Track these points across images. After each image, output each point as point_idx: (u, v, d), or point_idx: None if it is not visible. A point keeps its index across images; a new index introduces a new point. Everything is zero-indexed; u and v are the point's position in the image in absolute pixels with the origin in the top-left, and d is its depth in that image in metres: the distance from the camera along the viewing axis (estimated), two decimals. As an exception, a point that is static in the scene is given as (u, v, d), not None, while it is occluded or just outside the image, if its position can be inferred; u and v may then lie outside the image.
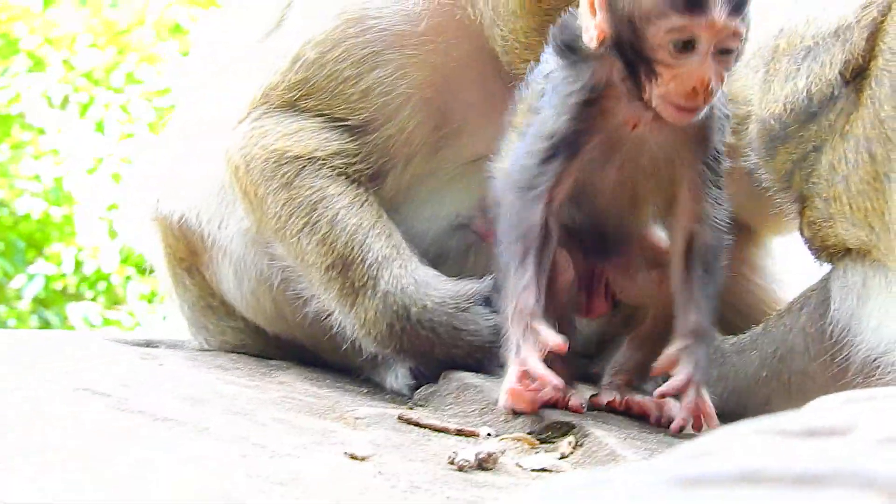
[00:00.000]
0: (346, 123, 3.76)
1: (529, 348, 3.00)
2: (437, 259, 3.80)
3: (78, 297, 13.22)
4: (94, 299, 13.27)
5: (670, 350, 3.10)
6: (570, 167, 3.07)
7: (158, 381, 3.44)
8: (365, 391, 3.75)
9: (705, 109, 2.98)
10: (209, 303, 4.12)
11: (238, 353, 4.09)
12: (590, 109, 3.08)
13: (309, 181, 3.72)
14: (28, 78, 13.01)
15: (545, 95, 3.15)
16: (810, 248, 3.34)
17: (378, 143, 3.76)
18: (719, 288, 3.12)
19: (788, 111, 3.18)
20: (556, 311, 3.17)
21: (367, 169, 3.76)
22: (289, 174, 3.73)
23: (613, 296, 3.33)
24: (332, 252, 3.69)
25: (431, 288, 3.66)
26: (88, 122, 13.01)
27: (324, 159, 3.74)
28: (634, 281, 3.28)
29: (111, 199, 12.73)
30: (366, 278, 3.66)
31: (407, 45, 3.75)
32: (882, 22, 3.05)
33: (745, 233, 4.09)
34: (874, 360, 3.09)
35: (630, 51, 3.00)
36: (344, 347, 3.77)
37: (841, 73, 3.08)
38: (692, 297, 3.11)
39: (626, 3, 3.00)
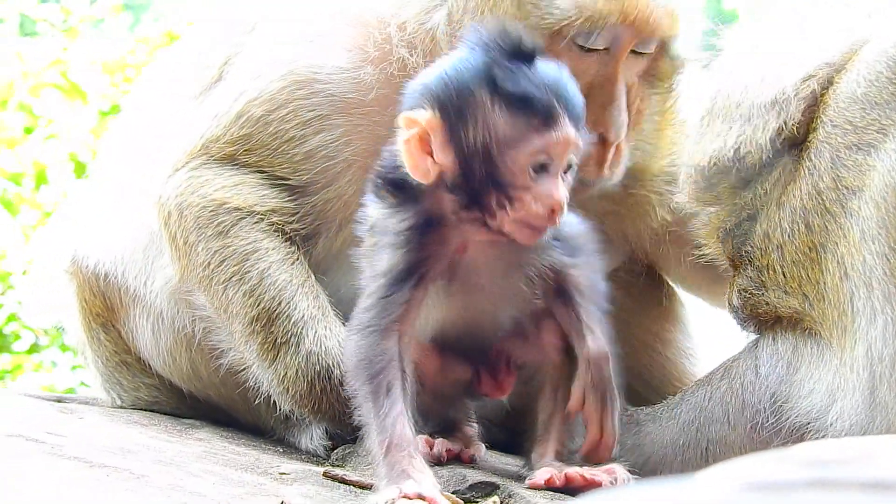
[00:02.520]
0: (287, 182, 3.77)
1: (420, 477, 2.90)
2: None
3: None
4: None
5: (575, 385, 3.13)
6: (413, 299, 3.06)
7: (84, 432, 3.44)
8: (281, 450, 3.75)
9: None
10: (124, 359, 4.09)
11: (152, 410, 4.06)
12: (420, 242, 3.09)
13: (244, 233, 3.72)
14: None
15: (376, 242, 3.16)
16: (737, 317, 3.41)
17: (316, 206, 3.77)
18: (605, 313, 3.15)
19: (712, 164, 3.26)
20: (443, 410, 3.27)
21: (303, 229, 3.77)
22: (225, 224, 3.72)
23: (516, 364, 3.31)
24: (259, 304, 3.68)
25: None
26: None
27: (262, 214, 3.74)
28: (528, 342, 3.25)
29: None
30: (290, 335, 3.66)
31: (354, 113, 3.78)
32: (822, 95, 3.15)
33: (656, 307, 4.18)
34: (806, 424, 3.16)
35: (479, 181, 3.03)
36: (257, 404, 3.77)
37: (772, 140, 3.17)
38: (581, 326, 3.14)
39: (478, 136, 3.03)
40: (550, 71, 3.02)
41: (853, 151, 3.05)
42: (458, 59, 3.08)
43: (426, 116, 3.05)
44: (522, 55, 3.03)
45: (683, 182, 3.42)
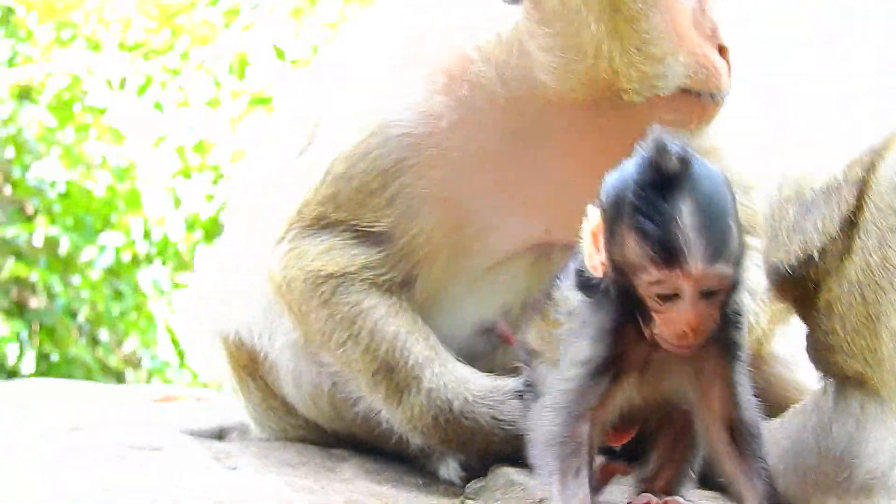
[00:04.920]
0: (372, 232, 4.00)
1: None
2: (467, 361, 4.07)
3: (149, 260, 13.60)
4: (163, 264, 13.66)
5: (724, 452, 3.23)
6: (610, 391, 3.17)
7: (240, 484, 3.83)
8: (421, 483, 4.08)
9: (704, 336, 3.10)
10: (271, 404, 4.45)
11: (302, 442, 4.43)
12: (618, 338, 3.16)
13: (344, 297, 4.01)
14: (86, 60, 13.34)
15: (575, 328, 3.25)
16: (815, 367, 3.63)
17: (403, 249, 4.02)
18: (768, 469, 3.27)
19: (795, 261, 3.43)
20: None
21: (396, 276, 4.03)
22: (325, 293, 4.02)
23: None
24: (376, 360, 4.00)
25: (470, 383, 3.98)
26: (146, 100, 13.35)
27: (355, 273, 4.01)
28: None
29: (173, 170, 13.11)
30: (409, 379, 3.97)
31: (427, 146, 3.97)
32: (867, 179, 3.31)
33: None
34: (871, 480, 3.37)
35: (625, 292, 3.12)
36: (394, 440, 4.09)
37: (841, 229, 3.33)
38: (747, 483, 3.22)
39: (616, 254, 3.11)
40: (691, 201, 3.01)
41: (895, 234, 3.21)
42: (626, 167, 3.14)
43: (596, 215, 3.19)
44: (670, 179, 3.04)
45: (766, 273, 3.58)
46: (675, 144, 3.07)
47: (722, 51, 3.82)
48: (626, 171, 3.12)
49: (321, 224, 4.05)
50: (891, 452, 3.31)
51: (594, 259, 3.19)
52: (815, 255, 3.39)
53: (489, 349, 4.17)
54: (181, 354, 12.96)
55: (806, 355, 3.68)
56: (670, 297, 3.06)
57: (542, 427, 3.22)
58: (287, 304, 4.09)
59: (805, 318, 3.56)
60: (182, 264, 13.51)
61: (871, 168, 3.30)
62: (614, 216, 3.11)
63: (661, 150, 3.05)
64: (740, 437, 3.23)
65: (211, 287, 4.56)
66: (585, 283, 3.25)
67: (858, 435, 3.41)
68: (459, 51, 3.95)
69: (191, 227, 13.36)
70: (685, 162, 3.05)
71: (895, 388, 3.27)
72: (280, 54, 13.62)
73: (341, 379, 4.14)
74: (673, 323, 3.08)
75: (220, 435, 4.64)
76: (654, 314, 3.10)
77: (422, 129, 3.97)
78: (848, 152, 3.40)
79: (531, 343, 3.58)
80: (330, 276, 4.02)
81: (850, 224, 3.33)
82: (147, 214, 13.31)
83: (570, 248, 3.94)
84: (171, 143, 13.17)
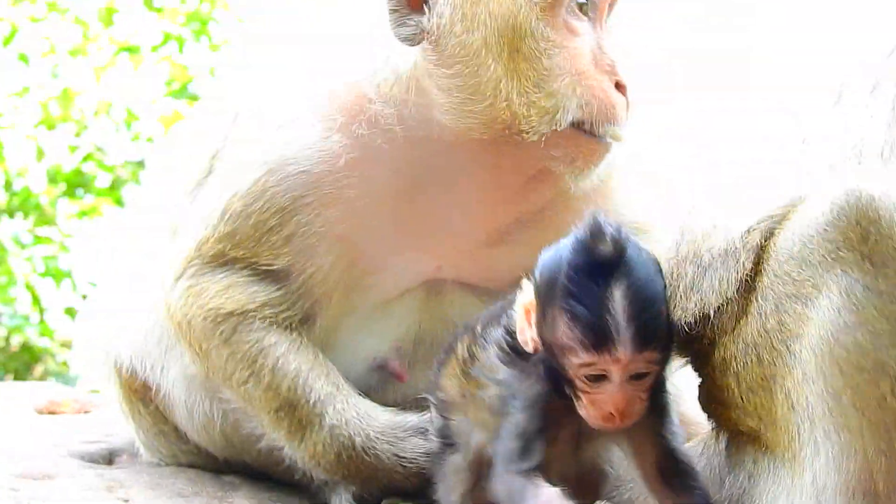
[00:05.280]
0: (271, 269, 4.00)
1: None
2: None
3: (10, 213, 13.37)
4: (24, 217, 13.43)
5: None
6: (549, 457, 3.25)
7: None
8: (315, 512, 4.10)
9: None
10: (162, 429, 4.44)
11: (193, 468, 4.43)
12: (548, 409, 3.25)
13: (245, 336, 4.01)
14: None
15: (506, 398, 3.32)
16: (707, 418, 3.72)
17: (301, 286, 4.03)
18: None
19: (692, 318, 3.49)
20: None
21: (296, 315, 4.04)
22: (226, 331, 4.02)
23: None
24: (278, 397, 4.01)
25: (373, 419, 4.02)
26: (11, 52, 13.07)
27: (255, 311, 4.02)
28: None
29: (35, 120, 12.87)
30: (311, 416, 4.00)
31: (324, 184, 3.98)
32: (765, 245, 3.38)
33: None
34: (763, 534, 3.48)
35: (554, 369, 3.21)
36: (295, 476, 4.13)
37: (737, 291, 3.40)
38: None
39: (547, 333, 3.19)
40: (624, 287, 3.10)
41: (793, 301, 3.27)
42: (561, 248, 3.22)
43: (530, 292, 3.25)
44: (604, 263, 3.11)
45: None
46: (610, 227, 3.14)
47: (619, 87, 3.86)
48: (560, 251, 3.19)
49: (220, 261, 4.04)
50: (782, 509, 3.42)
51: (525, 334, 3.25)
52: (712, 314, 3.46)
53: (382, 385, 4.21)
54: (42, 311, 12.78)
55: (694, 394, 3.77)
56: (599, 379, 3.14)
57: (500, 486, 3.26)
58: (188, 341, 4.08)
59: (700, 372, 3.64)
60: (44, 218, 13.28)
61: (769, 235, 3.37)
62: (547, 296, 3.18)
63: (596, 233, 3.12)
64: (676, 476, 3.34)
65: (106, 312, 4.52)
66: (514, 354, 3.32)
67: (751, 490, 3.51)
68: (357, 90, 3.96)
69: (53, 179, 13.13)
70: (619, 246, 3.13)
71: (788, 447, 3.36)
72: (148, 3, 13.44)
73: (244, 415, 4.14)
74: (601, 404, 3.17)
75: (110, 458, 4.61)
76: (581, 395, 3.18)
77: (319, 167, 3.97)
78: (746, 213, 3.47)
79: (448, 394, 3.62)
80: (230, 314, 4.02)
81: (748, 288, 3.40)
82: (8, 166, 13.03)
83: (460, 284, 4.00)
84: (36, 95, 12.89)
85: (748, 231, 3.40)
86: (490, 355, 3.42)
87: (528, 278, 3.28)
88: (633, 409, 3.18)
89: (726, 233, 3.45)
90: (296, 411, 4.01)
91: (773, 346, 3.34)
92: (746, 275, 3.39)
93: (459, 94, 3.84)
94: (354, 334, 4.16)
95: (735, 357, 3.44)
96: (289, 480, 4.24)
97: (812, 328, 3.22)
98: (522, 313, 3.26)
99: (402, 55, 3.90)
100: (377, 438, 4.00)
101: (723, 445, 3.65)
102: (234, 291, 4.02)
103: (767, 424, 3.41)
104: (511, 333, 3.34)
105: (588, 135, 3.85)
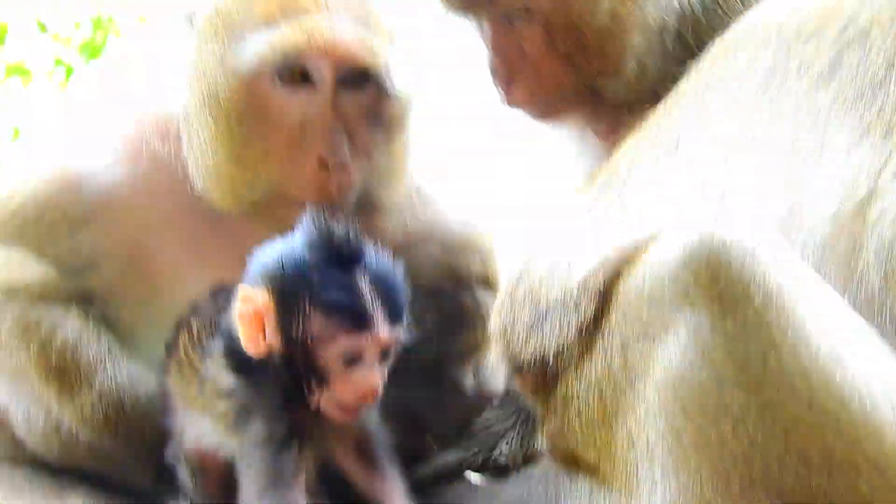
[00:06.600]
0: (52, 265, 4.05)
1: None
2: None
3: None
4: None
5: None
6: (302, 462, 3.42)
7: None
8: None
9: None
10: None
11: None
12: (288, 410, 3.43)
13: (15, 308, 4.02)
14: None
15: (240, 409, 3.46)
16: (546, 449, 3.74)
17: (85, 288, 4.07)
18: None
19: (531, 357, 3.53)
20: None
21: (70, 299, 4.06)
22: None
23: None
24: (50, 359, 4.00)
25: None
26: None
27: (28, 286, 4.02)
28: None
29: None
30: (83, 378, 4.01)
31: (115, 206, 4.05)
32: (611, 287, 3.39)
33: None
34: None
35: (301, 364, 3.36)
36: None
37: (579, 333, 3.44)
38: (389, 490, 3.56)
39: (296, 330, 3.35)
40: (369, 272, 3.39)
41: (640, 340, 3.30)
42: (292, 250, 3.39)
43: (262, 299, 3.35)
44: (345, 254, 3.35)
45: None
46: (335, 223, 3.40)
47: (321, 161, 3.88)
48: (293, 252, 3.38)
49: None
50: (619, 544, 3.46)
51: (258, 341, 3.36)
52: (551, 358, 3.50)
53: None
54: None
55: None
56: (353, 362, 3.37)
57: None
58: None
59: (540, 405, 3.66)
60: None
61: (616, 275, 3.38)
62: (292, 295, 3.33)
63: (328, 229, 3.36)
64: (370, 453, 3.57)
65: None
66: (240, 364, 3.44)
67: (586, 521, 3.55)
68: (142, 125, 4.10)
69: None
70: (351, 235, 3.40)
71: (626, 483, 3.39)
72: (42, 27, 13.24)
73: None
74: (355, 387, 3.39)
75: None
76: (333, 381, 3.36)
77: (112, 189, 4.06)
78: (587, 254, 3.50)
79: (173, 391, 3.73)
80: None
81: (591, 329, 3.43)
82: None
83: None
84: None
85: (589, 275, 3.42)
86: (210, 370, 3.55)
87: (244, 288, 3.42)
88: (380, 388, 3.42)
89: (565, 280, 3.48)
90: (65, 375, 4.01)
91: (616, 384, 3.37)
92: (589, 318, 3.42)
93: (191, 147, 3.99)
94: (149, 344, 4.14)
95: (577, 394, 3.46)
96: (126, 489, 4.18)
97: (658, 367, 3.25)
98: (250, 322, 3.39)
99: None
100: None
101: (562, 476, 3.68)
102: (11, 265, 4.04)
103: (606, 460, 3.44)
104: (228, 345, 3.48)
105: (296, 203, 3.86)
